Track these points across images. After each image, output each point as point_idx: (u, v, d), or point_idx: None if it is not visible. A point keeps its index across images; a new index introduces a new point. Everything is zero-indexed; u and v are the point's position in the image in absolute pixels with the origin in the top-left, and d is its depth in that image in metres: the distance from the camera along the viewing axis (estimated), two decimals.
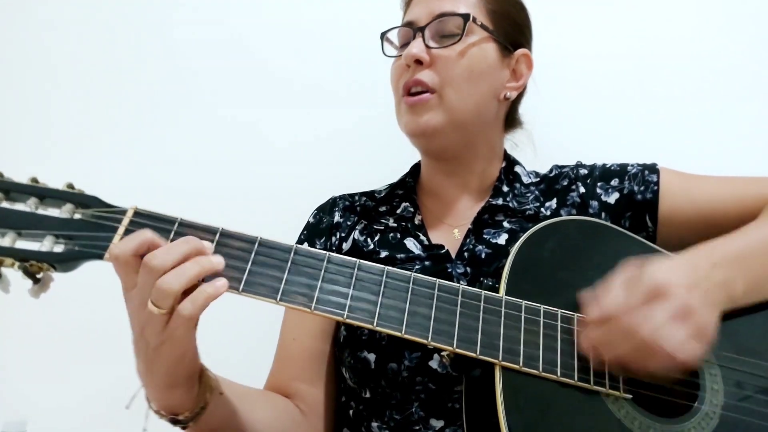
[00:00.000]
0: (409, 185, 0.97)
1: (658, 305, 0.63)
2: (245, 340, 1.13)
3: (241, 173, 1.28)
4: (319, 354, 0.88)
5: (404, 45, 0.90)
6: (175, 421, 0.65)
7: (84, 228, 0.62)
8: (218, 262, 0.60)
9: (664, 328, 0.61)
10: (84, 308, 1.12)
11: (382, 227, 0.91)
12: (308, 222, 0.97)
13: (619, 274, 0.68)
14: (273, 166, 1.28)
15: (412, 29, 0.87)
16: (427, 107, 0.84)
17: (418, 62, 0.84)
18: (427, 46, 0.85)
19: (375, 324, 0.63)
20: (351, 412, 0.84)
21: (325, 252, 0.66)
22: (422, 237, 0.88)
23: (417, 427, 0.76)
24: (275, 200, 1.24)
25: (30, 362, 1.19)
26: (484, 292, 0.68)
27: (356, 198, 0.98)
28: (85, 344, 1.16)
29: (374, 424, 0.79)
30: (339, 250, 0.92)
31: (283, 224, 1.00)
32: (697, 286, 0.65)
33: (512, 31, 0.91)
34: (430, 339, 0.64)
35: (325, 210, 0.97)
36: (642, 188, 0.87)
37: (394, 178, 1.02)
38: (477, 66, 0.85)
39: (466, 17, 0.84)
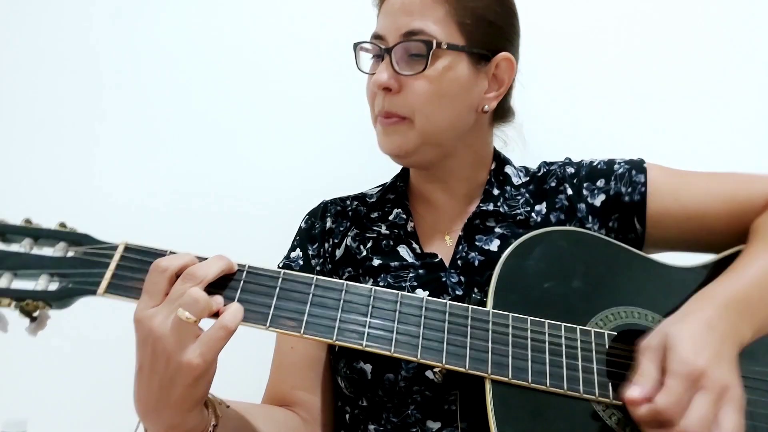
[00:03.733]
0: (400, 190, 0.96)
1: (705, 399, 0.61)
2: (232, 357, 1.14)
3: (229, 182, 1.31)
4: (317, 361, 0.89)
5: (376, 55, 0.86)
6: None
7: (77, 265, 0.64)
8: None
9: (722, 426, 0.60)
10: (84, 308, 1.13)
11: (375, 234, 0.92)
12: (300, 227, 0.98)
13: (644, 357, 0.65)
14: (262, 171, 1.31)
15: (380, 48, 0.83)
16: (399, 131, 0.83)
17: (387, 89, 0.82)
18: (396, 71, 0.81)
19: (364, 345, 0.64)
20: (347, 416, 0.85)
21: (312, 276, 0.67)
22: (414, 245, 0.88)
23: (414, 430, 0.77)
24: (265, 206, 1.27)
25: (30, 362, 1.21)
26: (471, 306, 0.69)
27: (347, 202, 0.98)
28: (85, 344, 1.18)
29: (371, 427, 0.80)
30: (332, 257, 0.92)
31: (274, 228, 1.02)
32: (721, 357, 0.63)
33: (490, 37, 0.84)
34: (419, 357, 0.65)
35: (316, 215, 0.97)
36: (629, 189, 0.86)
37: (385, 178, 1.01)
38: (447, 90, 0.82)
39: (429, 45, 0.79)
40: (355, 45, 0.89)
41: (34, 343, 1.16)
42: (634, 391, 0.62)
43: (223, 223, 1.26)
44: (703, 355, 0.63)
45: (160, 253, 0.65)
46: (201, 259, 0.64)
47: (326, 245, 0.93)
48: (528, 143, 1.02)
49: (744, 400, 0.63)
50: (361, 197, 0.99)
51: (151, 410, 0.61)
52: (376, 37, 0.85)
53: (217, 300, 0.62)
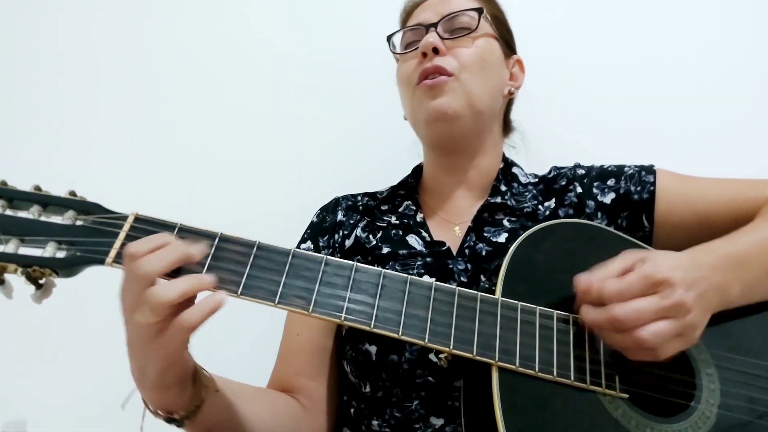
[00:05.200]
0: (411, 185, 0.99)
1: (653, 299, 0.62)
2: (244, 340, 1.14)
3: (246, 176, 1.30)
4: (322, 349, 0.89)
5: (409, 44, 0.94)
6: (170, 420, 0.65)
7: (86, 234, 0.64)
8: (209, 281, 0.61)
9: (651, 326, 0.61)
10: (83, 308, 1.12)
11: (385, 224, 0.93)
12: (312, 221, 1.00)
13: (620, 257, 0.67)
14: (277, 169, 1.30)
15: (424, 27, 0.91)
16: (446, 90, 0.86)
17: (435, 51, 0.87)
18: (442, 38, 0.89)
19: (372, 326, 0.64)
20: (352, 410, 0.84)
21: (322, 255, 0.67)
22: (424, 233, 0.89)
23: (417, 425, 0.77)
24: (279, 203, 1.26)
25: (30, 362, 1.20)
26: (480, 293, 0.68)
27: (359, 198, 1.01)
28: (84, 344, 1.17)
29: (375, 422, 0.80)
30: (342, 247, 0.93)
31: (286, 225, 1.01)
32: (695, 285, 0.64)
33: (508, 37, 0.98)
34: (426, 340, 0.64)
35: (328, 209, 0.99)
36: (639, 188, 0.87)
37: (395, 182, 1.03)
38: (488, 56, 0.91)
39: (479, 10, 0.90)
40: (389, 37, 0.97)
41: (34, 343, 1.17)
42: (582, 277, 0.64)
43: (233, 216, 1.25)
44: (677, 273, 0.63)
45: (170, 225, 0.65)
46: (209, 234, 0.64)
47: (336, 236, 0.95)
48: (532, 151, 1.06)
49: (699, 335, 0.64)
50: (371, 194, 1.02)
51: (138, 383, 0.64)
52: (416, 26, 0.93)
53: (205, 279, 0.60)
